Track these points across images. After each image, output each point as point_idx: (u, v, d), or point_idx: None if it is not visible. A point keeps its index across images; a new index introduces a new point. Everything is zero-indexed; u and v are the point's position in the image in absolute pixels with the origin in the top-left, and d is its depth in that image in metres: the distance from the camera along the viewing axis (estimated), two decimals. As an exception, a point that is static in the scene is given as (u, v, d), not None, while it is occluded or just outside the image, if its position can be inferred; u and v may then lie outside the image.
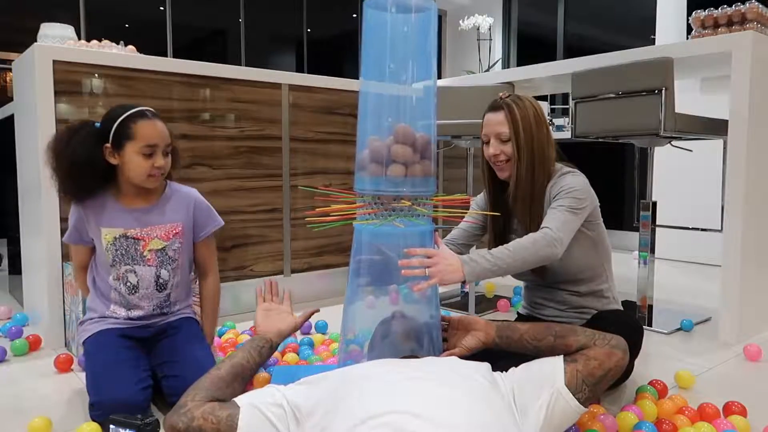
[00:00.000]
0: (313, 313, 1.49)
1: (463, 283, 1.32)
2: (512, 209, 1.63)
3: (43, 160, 1.46)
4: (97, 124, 1.46)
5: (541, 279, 1.61)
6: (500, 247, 1.38)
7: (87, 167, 1.42)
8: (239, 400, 1.03)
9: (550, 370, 1.10)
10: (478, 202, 1.80)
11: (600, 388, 1.13)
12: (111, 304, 1.52)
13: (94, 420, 1.30)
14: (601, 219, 1.60)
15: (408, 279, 1.28)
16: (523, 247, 1.37)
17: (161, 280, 1.52)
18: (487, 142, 1.59)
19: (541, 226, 1.44)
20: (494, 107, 1.57)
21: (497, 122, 1.55)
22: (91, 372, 1.40)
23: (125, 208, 1.50)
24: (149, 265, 1.50)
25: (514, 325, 1.26)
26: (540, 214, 1.53)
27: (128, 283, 1.50)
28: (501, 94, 1.58)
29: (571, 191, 1.48)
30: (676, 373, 1.64)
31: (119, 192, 1.51)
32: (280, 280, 2.51)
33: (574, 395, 1.06)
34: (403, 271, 1.22)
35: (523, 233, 1.59)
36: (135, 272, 1.50)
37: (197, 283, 1.71)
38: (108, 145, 1.43)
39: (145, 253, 1.50)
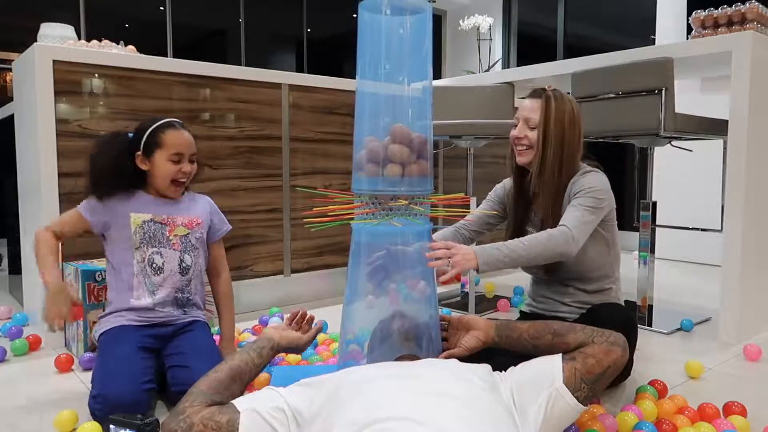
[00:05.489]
0: (319, 330, 1.49)
1: (477, 271, 1.37)
2: (534, 201, 1.66)
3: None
4: (130, 135, 1.58)
5: (554, 275, 1.62)
6: (515, 239, 1.41)
7: (112, 172, 1.54)
8: (239, 404, 1.02)
9: (549, 369, 1.09)
10: (500, 188, 1.82)
11: (599, 385, 1.12)
12: (134, 292, 1.55)
13: (93, 413, 1.29)
14: (615, 221, 1.62)
15: (407, 278, 1.29)
16: (538, 242, 1.40)
17: (184, 264, 1.61)
18: (516, 125, 1.62)
19: (560, 223, 1.46)
20: (534, 94, 1.60)
21: (531, 108, 1.58)
22: (100, 364, 1.42)
23: (153, 199, 1.60)
24: (174, 249, 1.59)
25: (513, 324, 1.27)
26: (560, 211, 1.55)
27: (154, 264, 1.57)
28: (547, 86, 1.61)
29: (592, 190, 1.50)
30: (686, 363, 1.68)
31: (147, 191, 1.62)
32: (280, 280, 2.52)
33: (572, 394, 1.06)
34: (430, 263, 1.29)
35: (538, 224, 1.62)
36: (161, 254, 1.58)
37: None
38: (139, 153, 1.55)
39: (171, 238, 1.59)
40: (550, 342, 1.18)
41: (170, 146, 1.55)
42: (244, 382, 1.19)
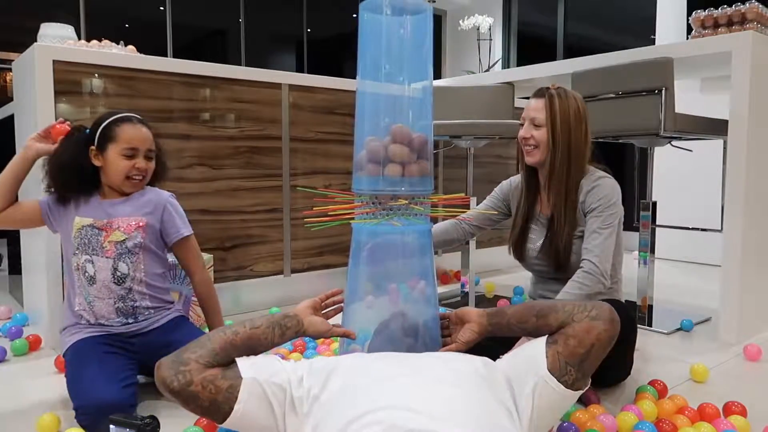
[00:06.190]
0: (346, 335, 1.30)
1: None
2: (542, 200, 1.69)
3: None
4: (87, 130, 1.53)
5: (561, 273, 1.63)
6: (552, 301, 1.47)
7: (70, 169, 1.49)
8: (243, 369, 1.01)
9: (533, 357, 1.06)
10: (506, 185, 1.85)
11: (588, 365, 1.06)
12: (75, 299, 1.52)
13: (81, 425, 1.27)
14: (622, 225, 1.64)
15: (406, 278, 1.29)
16: (574, 296, 1.47)
17: (119, 273, 1.50)
18: (522, 125, 1.64)
19: (584, 256, 1.52)
20: (538, 94, 1.61)
21: (535, 108, 1.60)
22: (71, 376, 1.38)
23: (99, 201, 1.55)
24: (107, 257, 1.49)
25: (501, 311, 1.23)
26: (575, 206, 1.59)
27: (86, 274, 1.50)
28: (551, 84, 1.62)
29: (609, 205, 1.55)
30: (691, 366, 1.67)
31: (100, 193, 1.56)
32: (280, 280, 2.52)
33: (558, 380, 1.02)
34: None
35: (545, 223, 1.65)
36: (92, 262, 1.49)
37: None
38: (93, 147, 1.50)
39: (105, 244, 1.50)
40: (535, 324, 1.13)
41: (123, 140, 1.47)
42: (255, 353, 1.12)
